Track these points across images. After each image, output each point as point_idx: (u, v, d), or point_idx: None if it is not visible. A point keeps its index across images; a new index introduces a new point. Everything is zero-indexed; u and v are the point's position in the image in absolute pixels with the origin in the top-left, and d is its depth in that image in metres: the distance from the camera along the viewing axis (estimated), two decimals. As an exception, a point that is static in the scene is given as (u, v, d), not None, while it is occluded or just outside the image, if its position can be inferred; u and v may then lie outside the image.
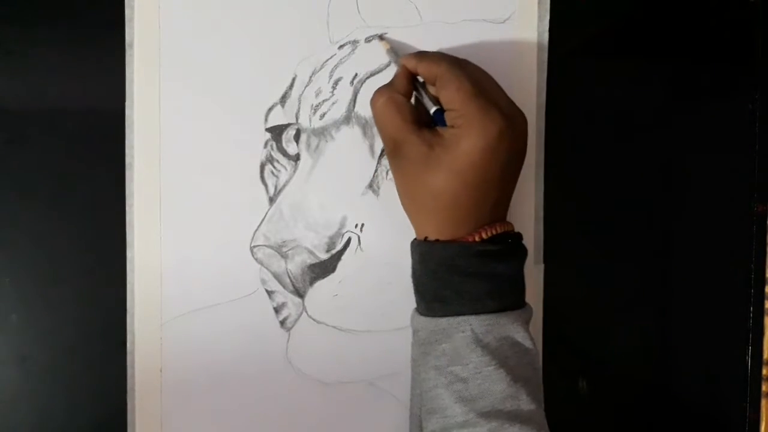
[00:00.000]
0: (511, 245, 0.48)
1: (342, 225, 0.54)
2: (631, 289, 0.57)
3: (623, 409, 0.57)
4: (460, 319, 0.47)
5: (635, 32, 0.56)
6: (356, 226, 0.54)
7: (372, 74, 0.54)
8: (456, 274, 0.47)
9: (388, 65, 0.54)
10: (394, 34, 0.54)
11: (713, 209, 0.57)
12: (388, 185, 0.54)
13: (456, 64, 0.48)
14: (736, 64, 0.57)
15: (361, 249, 0.54)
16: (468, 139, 0.46)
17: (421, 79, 0.51)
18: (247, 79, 0.53)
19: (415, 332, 0.50)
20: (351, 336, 0.55)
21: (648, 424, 0.57)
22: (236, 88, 0.53)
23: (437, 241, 0.48)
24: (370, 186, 0.54)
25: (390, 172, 0.54)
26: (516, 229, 0.50)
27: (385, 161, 0.54)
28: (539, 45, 0.54)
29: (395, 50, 0.53)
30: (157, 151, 0.53)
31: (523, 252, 0.49)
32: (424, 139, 0.48)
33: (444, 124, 0.49)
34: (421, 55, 0.50)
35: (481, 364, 0.46)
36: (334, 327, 0.55)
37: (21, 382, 0.54)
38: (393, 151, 0.49)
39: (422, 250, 0.48)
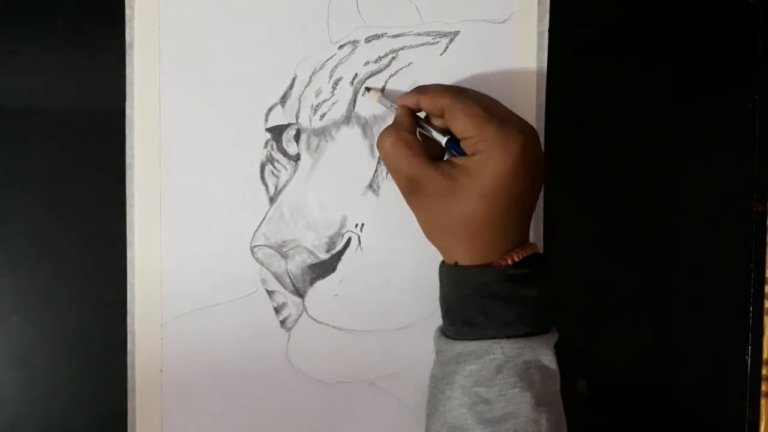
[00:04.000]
0: (540, 268, 0.48)
1: (342, 225, 0.54)
2: (631, 289, 0.57)
3: (623, 409, 0.57)
4: (491, 342, 0.46)
5: (635, 32, 0.56)
6: (356, 226, 0.54)
7: (372, 74, 0.54)
8: (488, 299, 0.47)
9: (388, 65, 0.54)
10: (394, 34, 0.54)
11: (713, 209, 0.57)
12: (388, 185, 0.54)
13: (460, 92, 0.48)
14: (736, 64, 0.57)
15: (361, 249, 0.54)
16: (493, 161, 0.46)
17: (422, 114, 0.51)
18: (247, 79, 0.53)
19: (439, 352, 0.49)
20: (351, 336, 0.55)
21: (648, 424, 0.57)
22: (236, 88, 0.53)
23: (470, 266, 0.48)
24: (370, 186, 0.54)
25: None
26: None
27: (385, 161, 0.54)
28: (539, 45, 0.54)
29: (386, 96, 0.53)
30: (157, 151, 0.53)
31: (548, 274, 0.49)
32: (443, 171, 0.47)
33: (458, 153, 0.48)
34: (422, 90, 0.50)
35: (507, 386, 0.46)
36: (335, 327, 0.55)
37: (21, 382, 0.54)
38: (411, 189, 0.49)
39: (454, 275, 0.48)
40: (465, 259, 0.48)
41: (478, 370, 0.46)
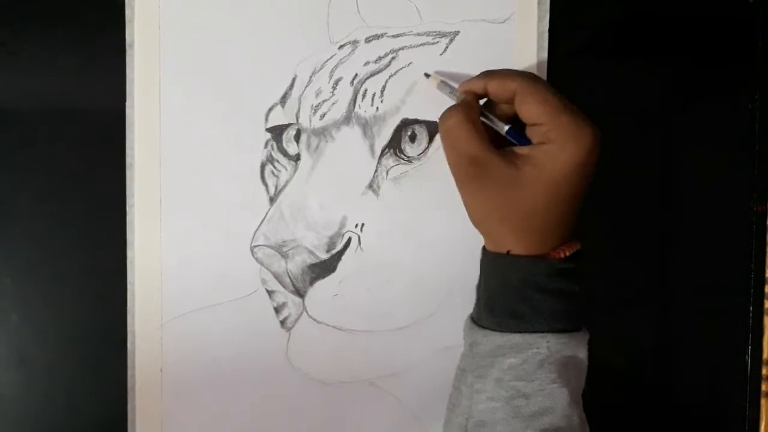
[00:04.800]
0: (583, 264, 0.48)
1: (342, 225, 0.54)
2: (631, 288, 0.57)
3: (623, 409, 0.57)
4: (536, 336, 0.45)
5: (635, 32, 0.56)
6: (356, 226, 0.54)
7: (372, 74, 0.54)
8: (537, 291, 0.46)
9: (388, 65, 0.54)
10: (394, 34, 0.54)
11: (713, 209, 0.57)
12: (388, 185, 0.54)
13: (532, 77, 0.47)
14: (736, 64, 0.57)
15: (361, 249, 0.54)
16: (565, 153, 0.45)
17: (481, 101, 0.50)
18: (247, 79, 0.53)
19: (473, 344, 0.48)
20: (351, 336, 0.55)
21: (648, 423, 0.57)
22: (236, 88, 0.53)
23: (522, 255, 0.46)
24: (370, 186, 0.54)
25: (390, 172, 0.54)
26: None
27: (385, 161, 0.54)
28: (539, 45, 0.54)
29: (446, 82, 0.52)
30: (157, 151, 0.53)
31: (589, 271, 0.48)
32: (508, 159, 0.46)
33: (519, 142, 0.48)
34: (490, 74, 0.49)
35: (546, 381, 0.45)
36: (335, 327, 0.55)
37: (21, 382, 0.54)
38: (470, 173, 0.47)
39: (505, 264, 0.47)
40: (518, 248, 0.46)
41: (519, 364, 0.45)
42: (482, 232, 0.49)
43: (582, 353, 0.47)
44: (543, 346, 0.45)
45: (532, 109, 0.46)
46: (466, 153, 0.47)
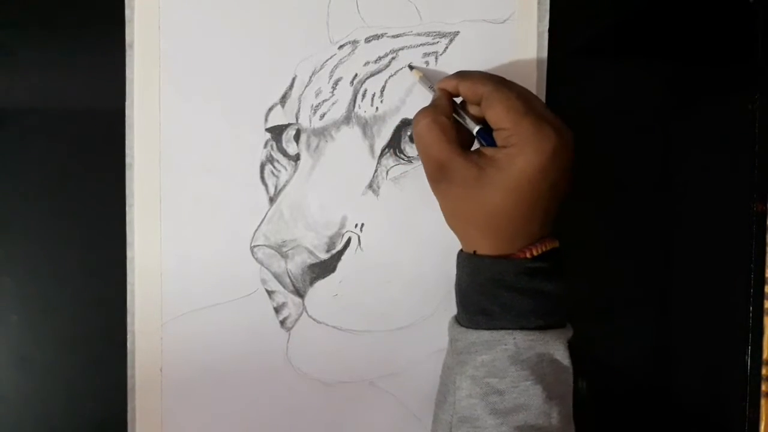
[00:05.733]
0: (559, 263, 0.48)
1: (342, 225, 0.54)
2: (631, 289, 0.57)
3: (623, 409, 0.57)
4: (504, 332, 0.47)
5: (635, 32, 0.56)
6: (356, 226, 0.54)
7: (372, 74, 0.54)
8: (504, 290, 0.47)
9: (388, 65, 0.54)
10: (394, 35, 0.54)
11: (713, 209, 0.57)
12: (388, 185, 0.54)
13: (501, 82, 0.48)
14: (736, 64, 0.57)
15: (361, 249, 0.54)
16: (523, 156, 0.46)
17: (458, 100, 0.51)
18: (247, 79, 0.53)
19: (452, 341, 0.49)
20: (351, 336, 0.55)
21: (648, 424, 0.57)
22: (236, 88, 0.53)
23: (488, 255, 0.48)
24: (370, 186, 0.54)
25: (390, 172, 0.54)
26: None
27: (384, 161, 0.54)
28: (539, 45, 0.54)
29: (427, 76, 0.53)
30: (157, 151, 0.53)
31: (565, 270, 0.49)
32: (472, 160, 0.47)
33: (488, 143, 0.48)
34: (463, 75, 0.50)
35: (519, 378, 0.46)
36: (334, 327, 0.55)
37: (21, 382, 0.54)
38: (438, 174, 0.48)
39: (472, 263, 0.48)
40: (484, 248, 0.48)
41: (491, 361, 0.47)
42: (455, 233, 0.50)
43: (558, 351, 0.47)
44: (510, 342, 0.46)
45: (496, 113, 0.47)
46: (433, 156, 0.48)
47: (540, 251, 0.47)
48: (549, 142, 0.46)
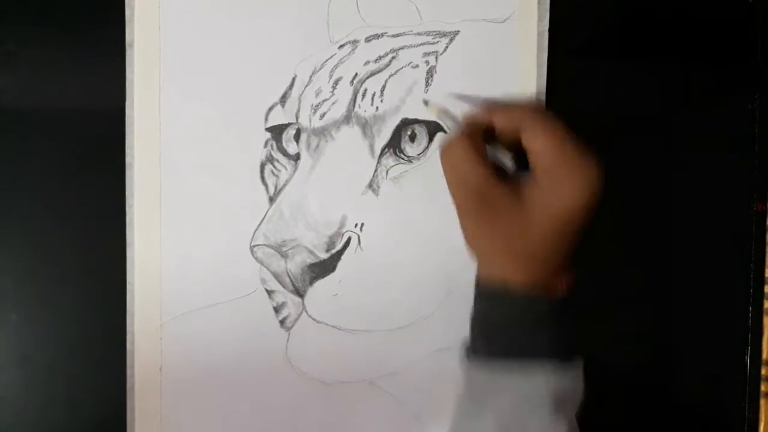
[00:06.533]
0: (575, 295, 0.47)
1: (342, 225, 0.54)
2: (631, 289, 0.57)
3: (623, 409, 0.57)
4: (536, 367, 0.45)
5: (635, 32, 0.56)
6: (356, 225, 0.54)
7: (372, 74, 0.54)
8: (540, 325, 0.45)
9: (388, 65, 0.54)
10: (394, 34, 0.54)
11: (713, 209, 0.57)
12: (388, 185, 0.54)
13: (539, 109, 0.47)
14: (736, 64, 0.57)
15: (361, 249, 0.54)
16: (569, 184, 0.44)
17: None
18: (247, 79, 0.54)
19: (470, 380, 0.47)
20: (351, 336, 0.55)
21: (648, 424, 0.57)
22: (236, 87, 0.54)
23: (525, 292, 0.45)
24: (370, 186, 0.54)
25: (390, 172, 0.54)
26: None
27: (384, 161, 0.54)
28: (539, 45, 0.54)
29: (445, 110, 0.52)
30: (157, 151, 0.53)
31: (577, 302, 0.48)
32: (512, 187, 0.46)
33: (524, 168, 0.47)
34: (495, 104, 0.48)
35: (546, 413, 0.44)
36: (334, 327, 0.55)
37: (21, 382, 0.54)
38: (476, 204, 0.46)
39: (506, 298, 0.46)
40: (516, 275, 0.46)
41: (515, 397, 0.45)
42: (478, 256, 0.48)
43: (579, 384, 0.46)
44: (541, 378, 0.45)
45: (539, 139, 0.45)
46: (471, 186, 0.46)
47: (570, 284, 0.46)
48: (595, 168, 0.45)
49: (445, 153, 0.47)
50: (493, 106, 0.48)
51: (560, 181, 0.45)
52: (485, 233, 0.46)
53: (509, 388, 0.45)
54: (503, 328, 0.46)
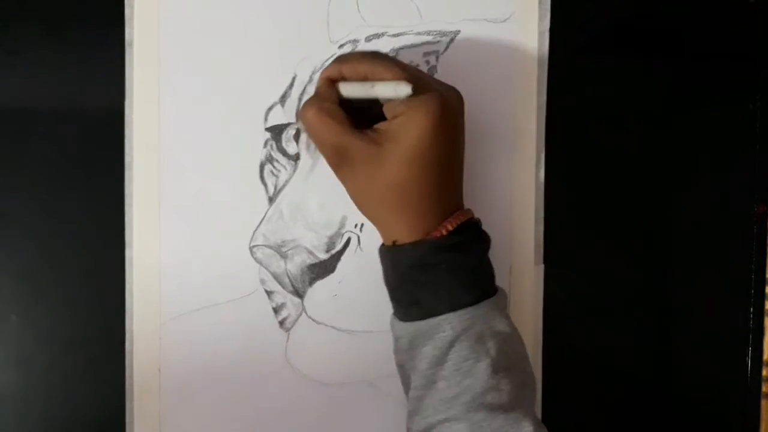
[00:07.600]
0: (476, 233, 0.48)
1: (342, 225, 0.54)
2: (631, 289, 0.57)
3: (623, 409, 0.57)
4: (440, 319, 0.46)
5: (635, 32, 0.56)
6: (356, 226, 0.54)
7: (372, 74, 0.54)
8: (429, 273, 0.46)
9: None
10: (394, 34, 0.54)
11: (714, 209, 0.57)
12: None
13: (379, 57, 0.49)
14: (737, 64, 0.56)
15: (360, 249, 0.54)
16: (414, 122, 0.45)
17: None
18: (247, 79, 0.53)
19: (397, 339, 0.49)
20: (351, 336, 0.55)
21: (648, 424, 0.57)
22: (236, 87, 0.53)
23: (405, 244, 0.47)
24: (370, 186, 0.54)
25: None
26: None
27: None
28: (540, 44, 0.54)
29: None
30: (156, 150, 0.53)
31: (486, 238, 0.49)
32: (369, 138, 0.47)
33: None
34: (342, 58, 0.50)
35: (460, 359, 0.45)
36: (334, 327, 0.55)
37: (20, 382, 0.54)
38: (338, 159, 0.48)
39: (393, 254, 0.48)
40: (402, 232, 0.47)
41: (432, 350, 0.46)
42: (371, 221, 0.49)
43: (496, 320, 0.47)
44: (447, 328, 0.46)
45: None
46: (328, 141, 0.47)
47: (454, 225, 0.47)
48: (435, 102, 0.45)
49: (301, 115, 0.48)
50: (340, 60, 0.49)
51: (404, 122, 0.46)
52: (356, 188, 0.48)
53: (423, 342, 0.46)
54: (404, 287, 0.47)
